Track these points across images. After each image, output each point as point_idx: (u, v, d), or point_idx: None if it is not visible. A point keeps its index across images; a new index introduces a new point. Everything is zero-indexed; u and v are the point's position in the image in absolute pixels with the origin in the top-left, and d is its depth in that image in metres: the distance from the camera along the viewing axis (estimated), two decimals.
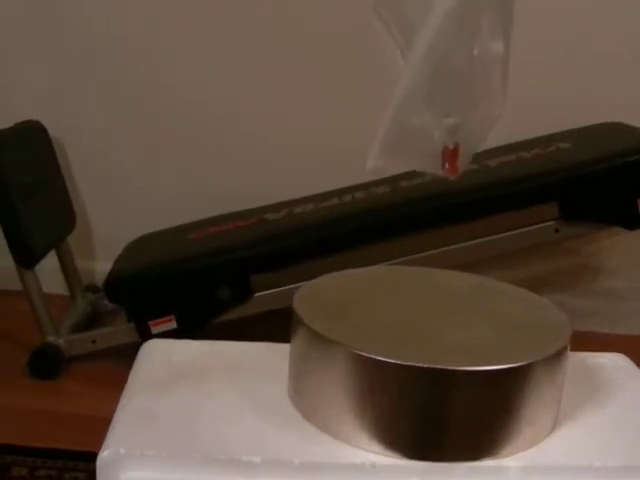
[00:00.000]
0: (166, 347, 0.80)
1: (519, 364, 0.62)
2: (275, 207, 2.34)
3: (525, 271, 2.55)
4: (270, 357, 0.76)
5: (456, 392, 0.62)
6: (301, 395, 0.69)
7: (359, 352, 0.62)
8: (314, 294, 0.72)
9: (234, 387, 0.72)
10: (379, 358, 0.62)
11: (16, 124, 2.34)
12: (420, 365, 0.61)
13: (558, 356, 0.65)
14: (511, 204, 2.11)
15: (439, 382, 0.62)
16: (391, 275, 0.80)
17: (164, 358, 0.77)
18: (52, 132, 2.49)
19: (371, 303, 0.73)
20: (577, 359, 0.80)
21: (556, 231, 2.15)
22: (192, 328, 2.09)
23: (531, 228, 2.15)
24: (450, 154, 0.79)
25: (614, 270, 2.61)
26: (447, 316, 0.71)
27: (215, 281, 2.11)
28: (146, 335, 2.05)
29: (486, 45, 0.77)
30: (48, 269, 2.38)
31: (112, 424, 0.69)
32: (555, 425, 0.69)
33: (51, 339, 2.21)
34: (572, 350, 0.71)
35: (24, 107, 2.50)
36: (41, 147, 2.47)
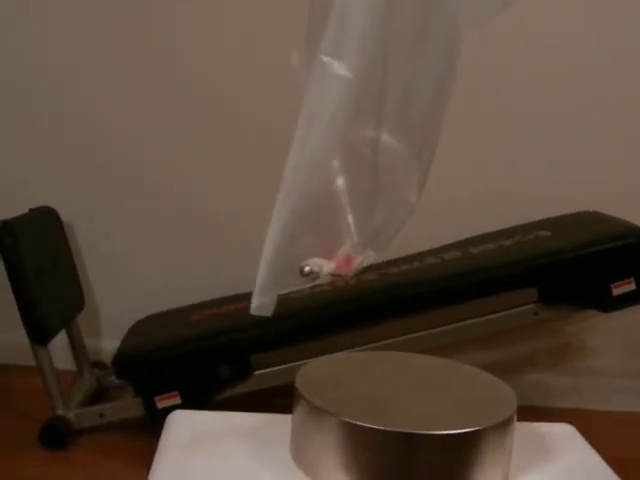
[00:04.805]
0: (189, 417, 0.96)
1: (471, 429, 0.78)
2: None
3: (509, 351, 2.64)
4: (273, 426, 0.92)
5: (421, 451, 0.78)
6: (301, 454, 0.85)
7: (346, 419, 0.78)
8: (311, 373, 0.88)
9: (247, 450, 0.88)
10: (361, 424, 0.78)
11: (31, 210, 2.48)
12: (392, 429, 0.77)
13: (505, 424, 0.81)
14: (493, 289, 2.21)
15: (407, 443, 0.78)
16: (376, 358, 0.97)
17: (188, 427, 0.93)
18: (63, 217, 2.63)
19: (357, 381, 0.89)
20: (530, 429, 0.95)
21: (535, 314, 2.23)
22: (195, 404, 2.19)
23: (511, 311, 2.24)
24: (346, 261, 0.79)
25: (596, 349, 2.69)
26: (417, 392, 0.88)
27: (216, 361, 2.22)
28: (152, 410, 2.16)
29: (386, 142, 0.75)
30: (57, 346, 2.51)
31: None
32: None
33: (61, 412, 2.30)
34: None
35: (38, 194, 2.64)
36: (54, 231, 2.60)
